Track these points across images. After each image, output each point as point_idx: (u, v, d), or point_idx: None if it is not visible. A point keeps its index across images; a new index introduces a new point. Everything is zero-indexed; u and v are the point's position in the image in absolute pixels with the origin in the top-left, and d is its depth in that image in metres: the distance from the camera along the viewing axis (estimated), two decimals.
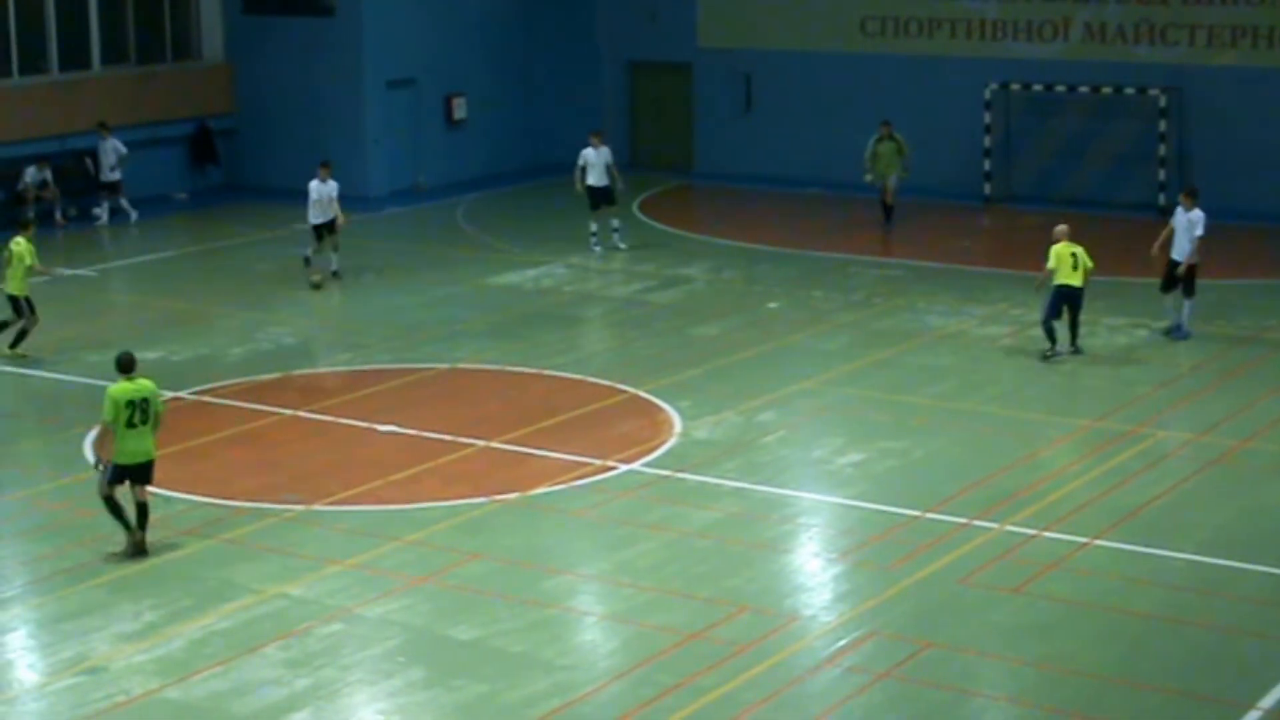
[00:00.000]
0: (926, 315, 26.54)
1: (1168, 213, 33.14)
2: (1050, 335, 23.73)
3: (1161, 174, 33.99)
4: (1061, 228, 24.13)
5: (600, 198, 30.91)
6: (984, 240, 33.77)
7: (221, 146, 38.25)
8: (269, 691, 14.10)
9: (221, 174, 38.43)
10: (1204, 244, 24.63)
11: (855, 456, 20.00)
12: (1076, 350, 23.83)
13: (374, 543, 17.35)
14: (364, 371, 23.95)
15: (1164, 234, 25.07)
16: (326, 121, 37.27)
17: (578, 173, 30.91)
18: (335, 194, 28.64)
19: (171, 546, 17.27)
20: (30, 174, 34.00)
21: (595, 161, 30.71)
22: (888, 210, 33.12)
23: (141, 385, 16.97)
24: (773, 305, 27.39)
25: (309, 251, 29.17)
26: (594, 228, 31.01)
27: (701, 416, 21.38)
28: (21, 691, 14.19)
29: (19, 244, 24.66)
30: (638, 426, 21.15)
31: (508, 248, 31.46)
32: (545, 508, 18.39)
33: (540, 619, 15.59)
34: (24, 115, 35.07)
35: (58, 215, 34.72)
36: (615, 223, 31.29)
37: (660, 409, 21.76)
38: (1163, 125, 34.01)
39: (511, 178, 38.72)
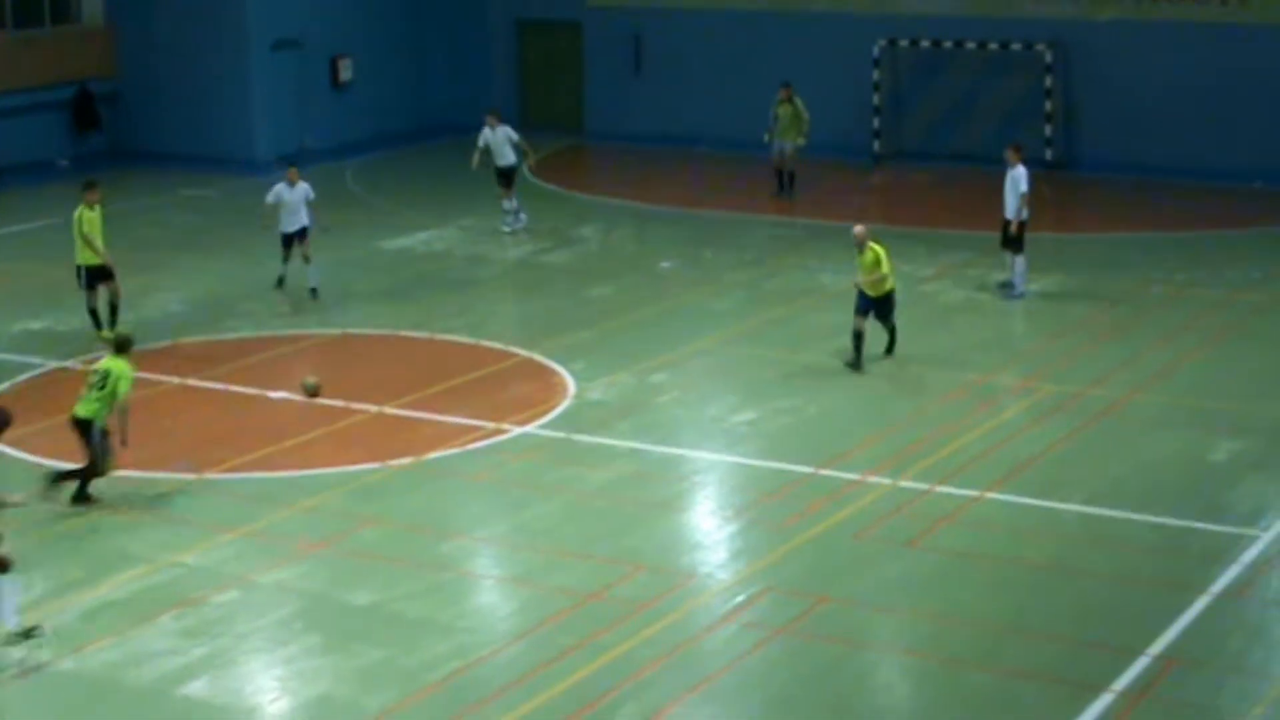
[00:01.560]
0: (819, 274, 26.67)
1: (1056, 167, 33.68)
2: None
3: (1048, 129, 34.31)
4: (861, 228, 21.84)
5: (510, 178, 29.68)
6: (874, 198, 33.95)
7: (104, 111, 37.68)
8: (163, 661, 13.99)
9: (104, 139, 37.85)
10: (1030, 200, 24.71)
11: (749, 415, 20.09)
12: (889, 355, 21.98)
13: (268, 509, 17.24)
14: (254, 338, 23.74)
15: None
16: (211, 84, 36.83)
17: (476, 154, 29.56)
18: (308, 197, 25.45)
19: (62, 518, 17.07)
20: None
21: (496, 141, 29.48)
22: (781, 178, 32.64)
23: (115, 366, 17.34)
24: (665, 265, 27.42)
25: (281, 270, 25.55)
26: (507, 206, 29.71)
27: (596, 378, 21.39)
28: None
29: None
30: (532, 389, 21.13)
31: (397, 210, 31.27)
32: (441, 472, 18.34)
33: (438, 583, 15.56)
34: None
35: None
36: (515, 204, 29.85)
37: (554, 371, 21.74)
38: (1049, 81, 34.32)
39: (400, 140, 38.45)
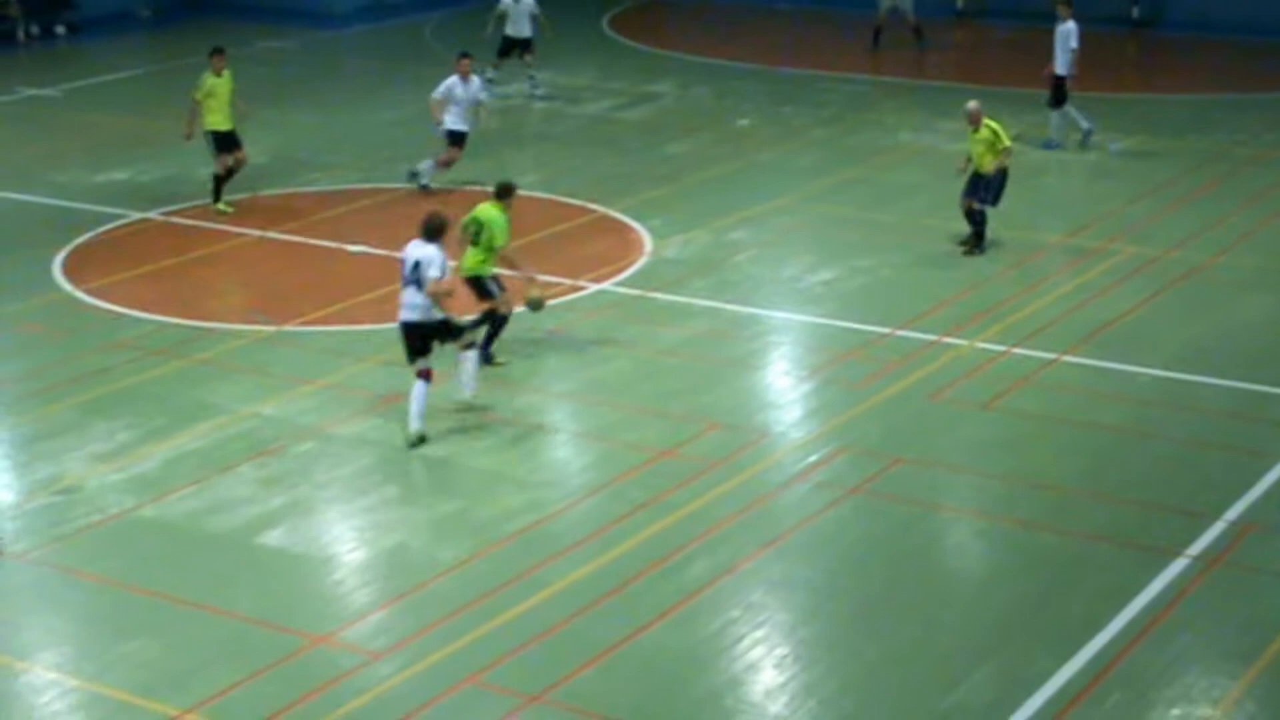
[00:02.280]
0: (897, 132, 26.42)
1: (1143, 25, 33.09)
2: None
3: None
4: (975, 104, 20.84)
5: (518, 47, 28.85)
6: (955, 56, 33.50)
7: None
8: (245, 509, 14.20)
9: None
10: (1081, 56, 24.43)
11: (825, 275, 20.01)
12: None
13: (346, 362, 17.37)
14: (334, 192, 23.80)
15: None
16: None
17: (493, 20, 29.04)
18: (481, 96, 23.82)
19: (144, 367, 17.27)
20: None
21: (517, 11, 28.64)
22: (879, 36, 32.11)
23: (486, 211, 17.11)
24: (743, 122, 27.23)
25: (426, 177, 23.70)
26: (490, 74, 28.61)
27: (672, 235, 21.34)
28: None
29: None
30: (608, 245, 21.11)
31: (475, 67, 31.11)
32: (518, 326, 18.38)
33: (512, 436, 15.66)
34: None
35: (19, 34, 34.28)
36: (533, 72, 29.24)
37: (630, 228, 21.70)
38: None
39: None
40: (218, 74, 22.71)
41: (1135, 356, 17.27)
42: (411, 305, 15.58)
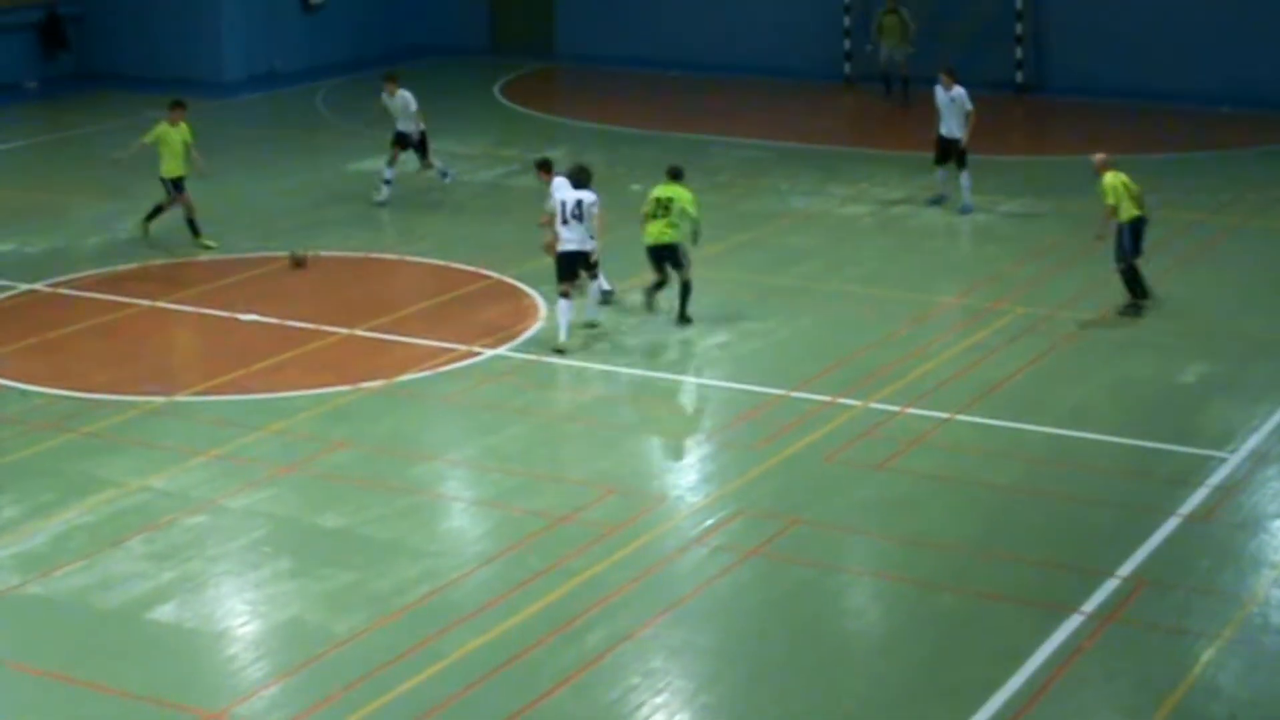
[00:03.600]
0: (790, 196, 26.60)
1: (1025, 89, 33.64)
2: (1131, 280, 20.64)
3: (1019, 52, 34.21)
4: (1100, 156, 20.97)
5: (408, 144, 26.37)
6: (843, 120, 33.85)
7: (72, 33, 37.33)
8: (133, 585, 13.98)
9: (73, 61, 37.51)
10: (977, 118, 24.96)
11: (720, 338, 20.07)
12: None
13: (238, 433, 17.19)
14: (224, 260, 23.62)
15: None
16: (179, 5, 36.51)
17: (374, 116, 27.30)
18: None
19: (31, 440, 17.00)
20: None
21: (393, 106, 26.28)
22: (889, 83, 33.85)
23: (673, 190, 20.28)
24: (635, 187, 27.28)
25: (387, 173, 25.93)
26: (388, 175, 26.43)
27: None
28: None
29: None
30: (502, 311, 21.07)
31: (366, 133, 31.05)
32: (411, 394, 18.30)
33: (408, 506, 15.55)
34: None
35: None
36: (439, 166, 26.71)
37: (525, 294, 21.68)
38: (1019, 2, 34.18)
39: (370, 63, 38.10)
40: (174, 125, 23.83)
41: (1026, 415, 17.42)
42: (570, 238, 19.44)
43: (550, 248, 19.90)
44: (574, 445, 16.98)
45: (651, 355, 19.63)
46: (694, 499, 15.63)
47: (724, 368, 19.10)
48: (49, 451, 16.82)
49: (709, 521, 15.05)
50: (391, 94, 26.23)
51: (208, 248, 23.86)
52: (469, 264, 22.94)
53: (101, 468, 16.35)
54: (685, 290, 20.28)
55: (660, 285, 20.34)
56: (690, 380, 18.80)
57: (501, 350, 19.55)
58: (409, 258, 23.49)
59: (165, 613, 13.52)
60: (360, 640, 12.99)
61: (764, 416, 17.53)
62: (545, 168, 21.04)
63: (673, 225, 20.05)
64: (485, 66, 38.32)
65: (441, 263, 23.15)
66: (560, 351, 19.11)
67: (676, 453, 17.01)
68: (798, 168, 28.24)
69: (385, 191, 26.41)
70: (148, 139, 23.89)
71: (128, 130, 26.82)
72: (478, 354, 19.39)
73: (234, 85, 36.08)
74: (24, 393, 18.29)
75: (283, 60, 37.28)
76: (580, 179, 19.78)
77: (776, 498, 15.56)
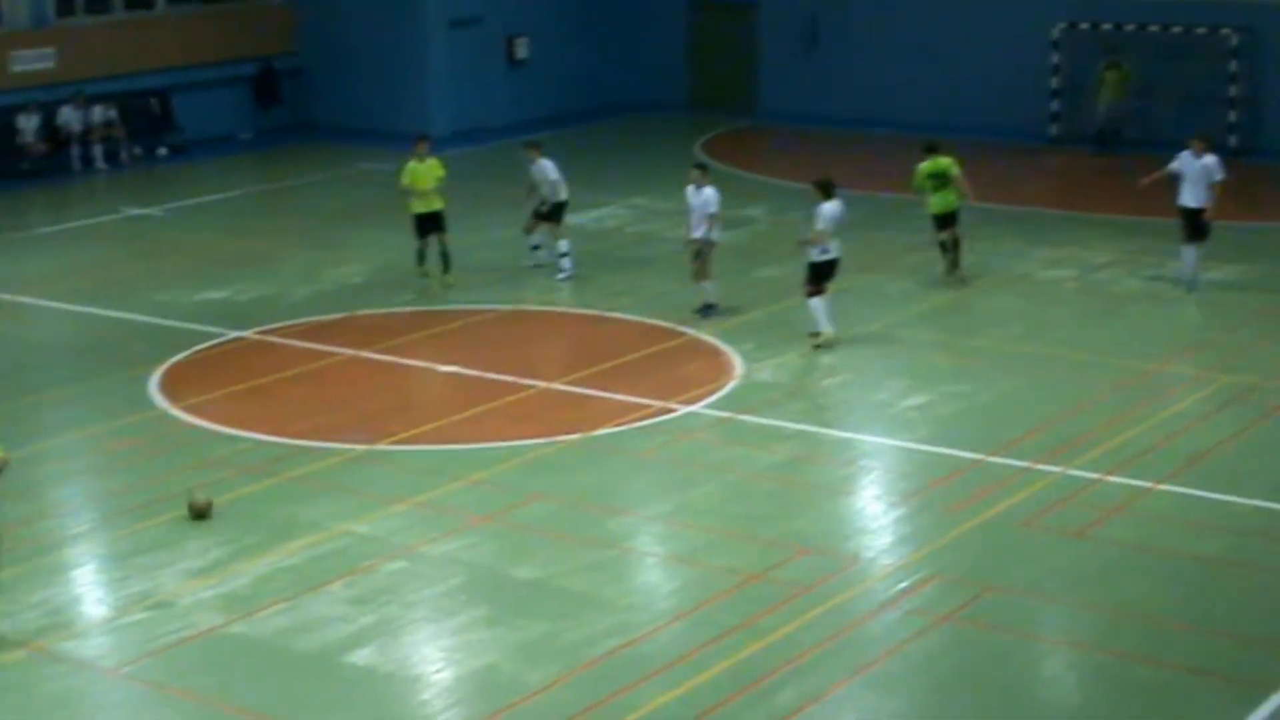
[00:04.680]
0: (991, 257, 26.37)
1: (1240, 154, 33.00)
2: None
3: (1232, 115, 33.61)
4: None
5: (552, 215, 25.79)
6: (1050, 181, 33.48)
7: (286, 86, 38.35)
8: (334, 628, 14.22)
9: (286, 114, 38.52)
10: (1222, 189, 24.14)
11: (918, 399, 19.93)
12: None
13: (437, 481, 17.43)
14: (427, 312, 24.01)
15: (1157, 175, 24.41)
16: (389, 60, 37.33)
17: (525, 188, 26.23)
18: (711, 208, 23.17)
19: (237, 484, 17.40)
20: (65, 113, 34.26)
21: (540, 177, 25.78)
22: (1103, 135, 34.31)
23: (940, 161, 24.31)
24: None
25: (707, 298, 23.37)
26: (535, 240, 26.09)
27: (764, 359, 21.35)
28: (90, 626, 14.36)
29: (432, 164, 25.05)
30: (699, 368, 21.14)
31: (570, 188, 31.33)
32: (608, 449, 18.42)
33: (602, 559, 15.64)
34: (90, 54, 35.26)
35: (123, 155, 35.01)
36: (563, 245, 25.76)
37: (722, 351, 21.73)
38: (1234, 65, 33.61)
39: (573, 118, 38.62)
40: (421, 159, 24.92)
41: (1232, 486, 17.04)
42: (832, 248, 21.96)
43: (810, 244, 22.12)
44: (768, 503, 16.96)
45: (848, 415, 19.56)
46: (888, 561, 15.51)
47: (922, 429, 18.95)
48: (255, 495, 17.20)
49: (902, 584, 14.92)
50: (533, 160, 25.84)
51: (447, 284, 24.93)
52: (668, 321, 23.05)
53: (305, 512, 16.67)
54: (957, 245, 24.57)
55: (952, 245, 24.56)
56: (887, 442, 18.67)
57: (697, 407, 19.60)
58: (610, 313, 23.68)
59: (362, 656, 13.74)
60: (552, 691, 13.08)
61: (961, 480, 17.36)
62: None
63: (952, 192, 24.24)
64: (685, 123, 38.57)
65: (641, 319, 23.30)
66: (820, 343, 21.51)
67: (871, 514, 16.91)
68: (1001, 229, 27.97)
69: (556, 260, 25.72)
70: (404, 179, 25.05)
71: (339, 181, 27.36)
72: (674, 410, 19.47)
73: (442, 140, 36.71)
74: (232, 437, 18.74)
75: (488, 114, 37.83)
76: (829, 190, 22.33)
77: (972, 563, 15.38)
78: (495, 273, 25.81)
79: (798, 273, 25.53)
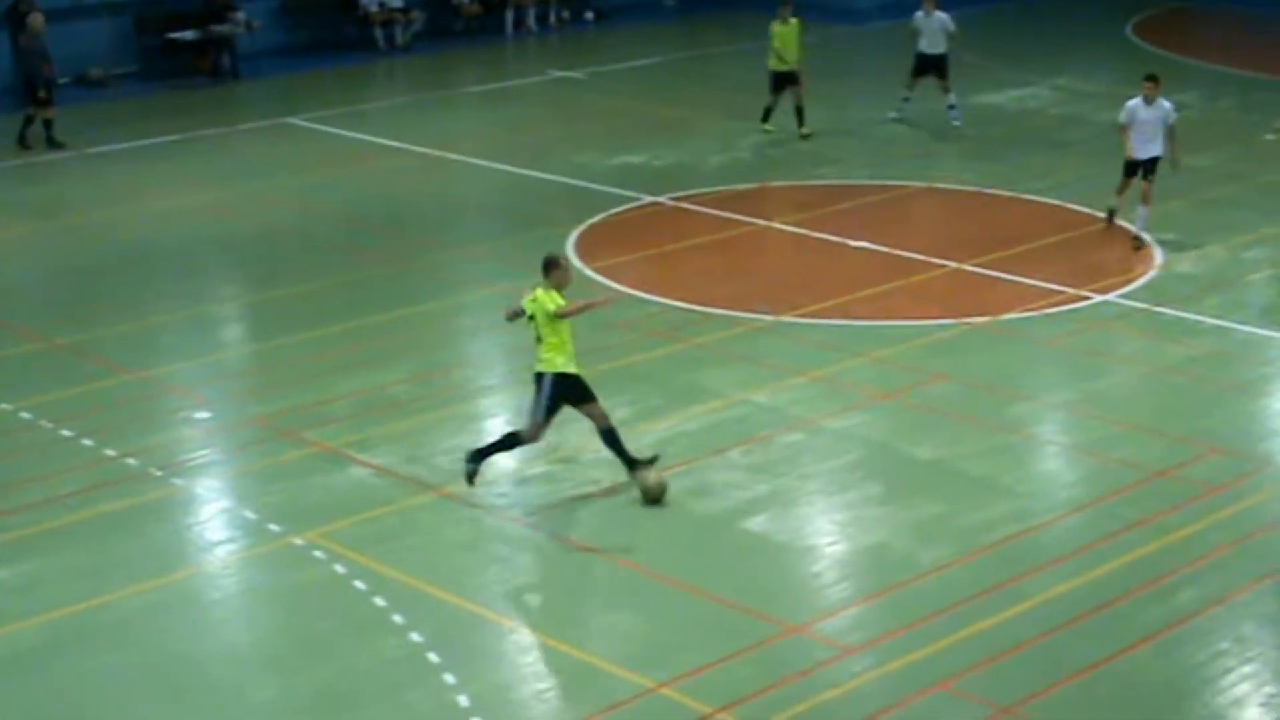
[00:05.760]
0: None
1: None
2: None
3: None
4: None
5: (930, 66, 26.73)
6: None
7: None
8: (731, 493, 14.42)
9: None
10: None
11: None
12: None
13: (839, 356, 17.45)
14: (840, 186, 23.93)
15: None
16: None
17: (908, 33, 27.18)
18: (1170, 119, 20.94)
19: (644, 347, 17.73)
20: None
21: (927, 26, 26.66)
22: None
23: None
24: (1270, 137, 26.10)
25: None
26: (906, 94, 27.14)
27: (1185, 250, 20.63)
28: (499, 475, 14.87)
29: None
30: (1116, 256, 20.57)
31: (991, 66, 30.72)
32: (1014, 333, 18.13)
33: (1002, 444, 15.45)
34: None
35: (552, 18, 35.79)
36: (951, 98, 26.87)
37: (1140, 239, 21.06)
38: None
39: None
40: (784, 22, 26.09)
41: None
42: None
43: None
44: (1180, 399, 16.45)
45: (1271, 312, 18.77)
46: None
47: None
48: (660, 359, 17.51)
49: None
50: (929, 13, 26.78)
51: (805, 136, 25.93)
52: (1085, 205, 22.47)
53: (707, 379, 16.90)
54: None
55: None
56: None
57: (1111, 297, 19.09)
58: (1024, 195, 23.20)
59: (757, 524, 13.91)
60: (944, 573, 13.03)
61: None
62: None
63: None
64: (1121, 4, 37.29)
65: (1057, 202, 22.77)
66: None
67: None
68: None
69: (953, 115, 26.86)
70: (774, 43, 26.12)
71: (760, 52, 27.37)
72: (1086, 298, 19.01)
73: (864, 12, 36.37)
74: (642, 300, 19.08)
75: None
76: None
77: None
78: (910, 148, 25.50)
79: (1226, 161, 24.60)
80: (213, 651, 12.25)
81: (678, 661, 11.77)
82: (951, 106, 26.79)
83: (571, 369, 14.17)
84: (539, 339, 14.15)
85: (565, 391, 14.16)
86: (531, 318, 14.16)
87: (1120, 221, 21.14)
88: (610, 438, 14.28)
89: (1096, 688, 11.45)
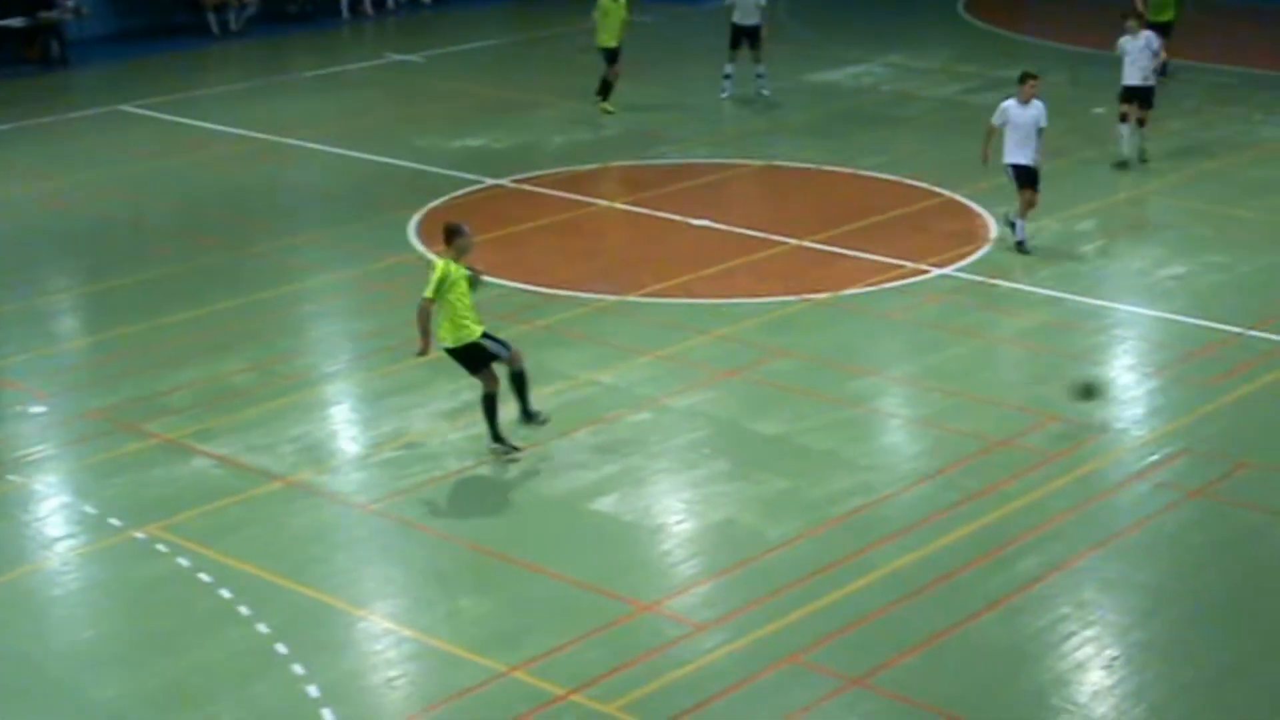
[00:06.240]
0: (1261, 127, 25.48)
1: None
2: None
3: None
4: None
5: (743, 35, 27.54)
6: None
7: None
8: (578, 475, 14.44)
9: None
10: None
11: (1176, 269, 19.43)
12: None
13: (684, 335, 17.52)
14: (681, 165, 24.02)
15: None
16: None
17: (726, 9, 27.82)
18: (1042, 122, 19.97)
19: (490, 330, 17.62)
20: None
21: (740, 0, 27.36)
22: None
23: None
24: (1098, 110, 26.60)
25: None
26: (728, 69, 27.80)
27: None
28: (343, 462, 14.77)
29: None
30: (952, 230, 20.85)
31: (825, 45, 31.02)
32: (855, 308, 18.32)
33: (846, 418, 15.61)
34: None
35: (388, 1, 35.55)
36: (760, 68, 27.72)
37: (977, 214, 21.39)
38: None
39: None
40: (614, 1, 26.73)
41: None
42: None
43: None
44: (1016, 370, 16.74)
45: (1103, 283, 19.15)
46: (1138, 433, 15.22)
47: (1179, 300, 18.49)
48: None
49: (1153, 457, 14.64)
50: None
51: (607, 112, 26.47)
52: (921, 180, 22.76)
53: (553, 360, 16.89)
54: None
55: None
56: (1142, 311, 18.26)
57: (948, 270, 19.36)
58: (861, 171, 23.44)
59: (606, 504, 13.94)
60: (791, 547, 13.14)
61: (1218, 353, 16.92)
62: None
63: None
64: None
65: (893, 178, 23.03)
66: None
67: (1122, 385, 16.56)
68: (1274, 97, 27.00)
69: (761, 84, 27.81)
70: (596, 14, 26.67)
71: (593, 34, 27.44)
72: (924, 272, 19.26)
73: None
74: (486, 283, 18.97)
75: None
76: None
77: (1226, 438, 15.02)
78: (748, 126, 25.66)
79: (1056, 136, 24.98)
80: (54, 650, 12.03)
81: (528, 644, 11.76)
82: (760, 75, 27.62)
83: (449, 343, 14.62)
84: None
85: (458, 360, 14.73)
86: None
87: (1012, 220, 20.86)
88: (487, 403, 14.77)
89: (943, 656, 11.63)
